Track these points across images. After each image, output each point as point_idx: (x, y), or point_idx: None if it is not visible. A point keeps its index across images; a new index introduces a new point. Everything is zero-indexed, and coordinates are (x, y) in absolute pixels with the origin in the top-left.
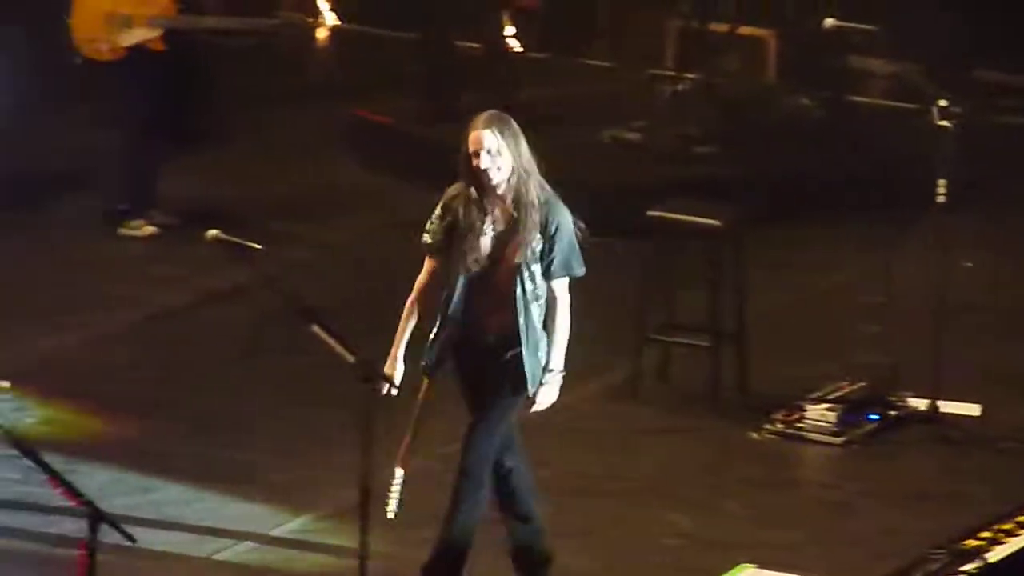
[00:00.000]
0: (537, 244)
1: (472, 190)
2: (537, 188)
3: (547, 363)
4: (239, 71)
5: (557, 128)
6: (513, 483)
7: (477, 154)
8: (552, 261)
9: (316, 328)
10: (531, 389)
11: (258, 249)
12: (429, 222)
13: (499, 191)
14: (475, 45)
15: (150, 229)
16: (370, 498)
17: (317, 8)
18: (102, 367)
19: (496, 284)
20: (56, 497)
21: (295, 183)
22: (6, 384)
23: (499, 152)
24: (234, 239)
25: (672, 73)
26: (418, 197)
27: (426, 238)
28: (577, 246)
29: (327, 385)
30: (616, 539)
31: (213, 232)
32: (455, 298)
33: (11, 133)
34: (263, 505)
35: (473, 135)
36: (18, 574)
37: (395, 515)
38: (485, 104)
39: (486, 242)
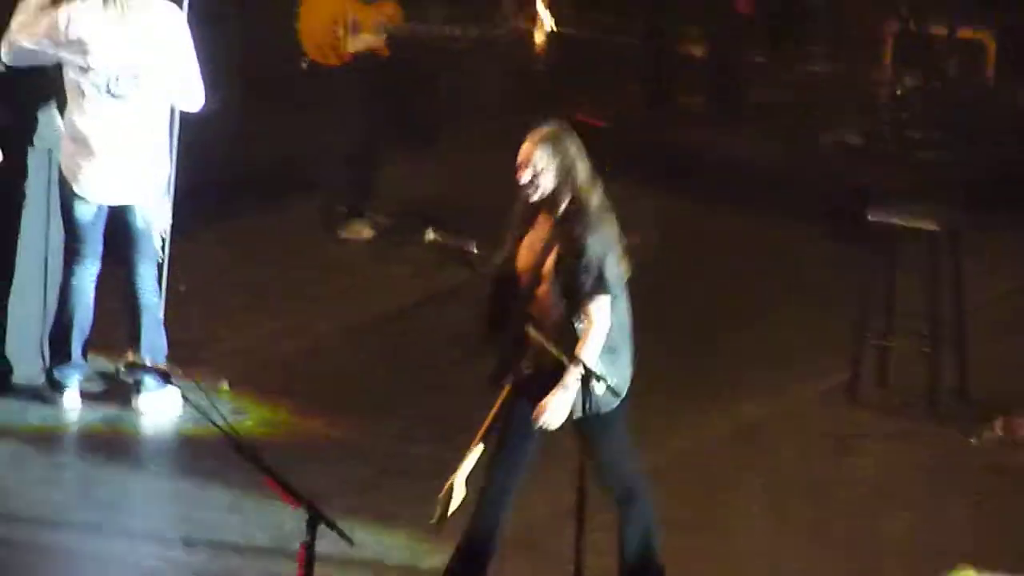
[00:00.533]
0: (572, 262)
1: (520, 202)
2: (587, 206)
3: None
4: (461, 75)
5: (779, 131)
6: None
7: (520, 168)
8: (578, 280)
9: (530, 330)
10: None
11: (475, 252)
12: None
13: (544, 206)
14: (695, 49)
15: (369, 232)
16: (586, 499)
17: (536, 13)
18: (325, 368)
19: (539, 297)
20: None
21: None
22: (225, 386)
23: (543, 170)
24: (451, 241)
25: (892, 76)
26: (636, 199)
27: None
28: (607, 268)
29: None
30: (840, 539)
31: (431, 234)
32: (513, 308)
33: (234, 136)
34: None
35: (522, 149)
36: None
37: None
38: (707, 107)
39: (526, 254)
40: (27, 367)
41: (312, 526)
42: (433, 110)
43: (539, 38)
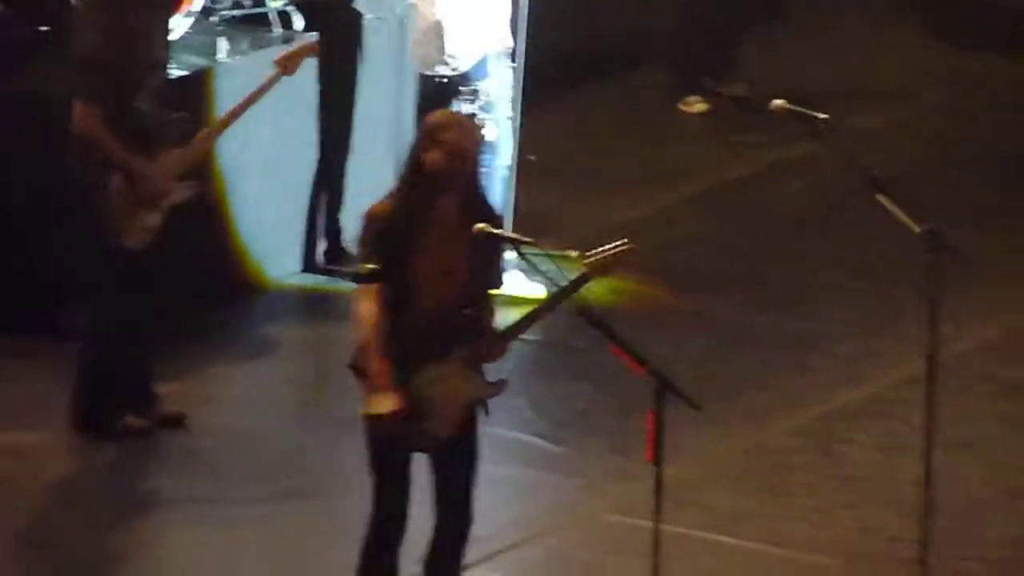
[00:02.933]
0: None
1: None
2: None
3: None
4: None
5: None
6: None
7: (467, 154)
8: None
9: (882, 198)
10: None
11: (824, 119)
12: None
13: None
14: None
15: (703, 106)
16: (937, 369)
17: None
18: (670, 238)
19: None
20: None
21: (860, 62)
22: (573, 253)
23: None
24: (801, 108)
25: None
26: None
27: None
28: None
29: (895, 258)
30: None
31: (779, 102)
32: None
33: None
34: (829, 375)
35: (468, 137)
36: None
37: None
38: None
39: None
40: None
41: (659, 393)
42: None
43: None
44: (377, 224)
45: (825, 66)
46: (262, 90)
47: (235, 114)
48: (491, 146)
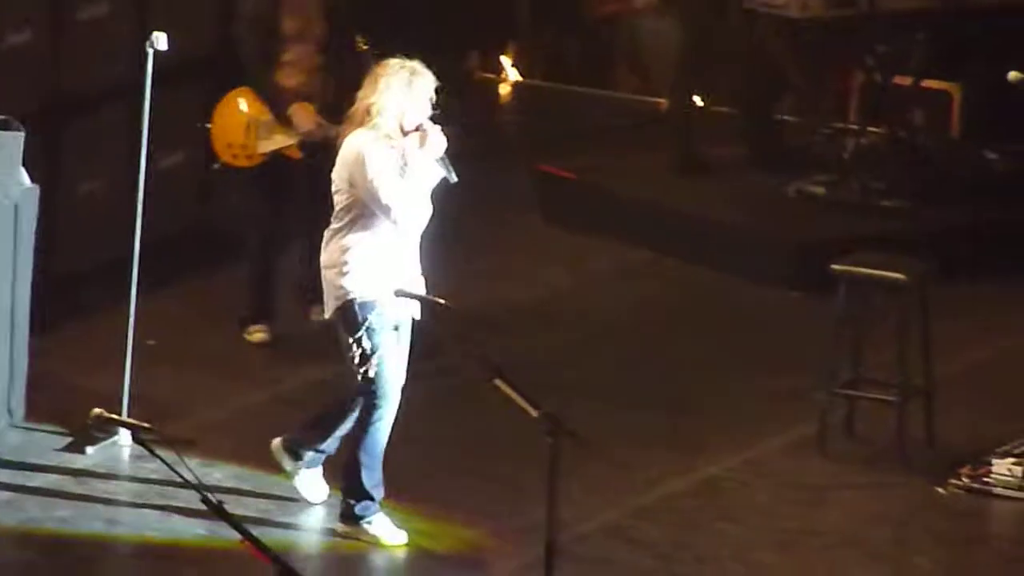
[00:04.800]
0: None
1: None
2: None
3: None
4: None
5: (743, 181)
6: None
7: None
8: None
9: (500, 382)
10: None
11: (445, 305)
12: None
13: None
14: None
15: (261, 335)
16: (555, 555)
17: (500, 65)
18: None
19: None
20: None
21: (480, 237)
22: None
23: None
24: (421, 295)
25: (856, 126)
26: (604, 250)
27: None
28: None
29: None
30: None
31: (397, 288)
32: None
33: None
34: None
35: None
36: None
37: None
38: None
39: None
40: None
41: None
42: None
43: (504, 88)
44: None
45: None
46: None
47: None
48: None
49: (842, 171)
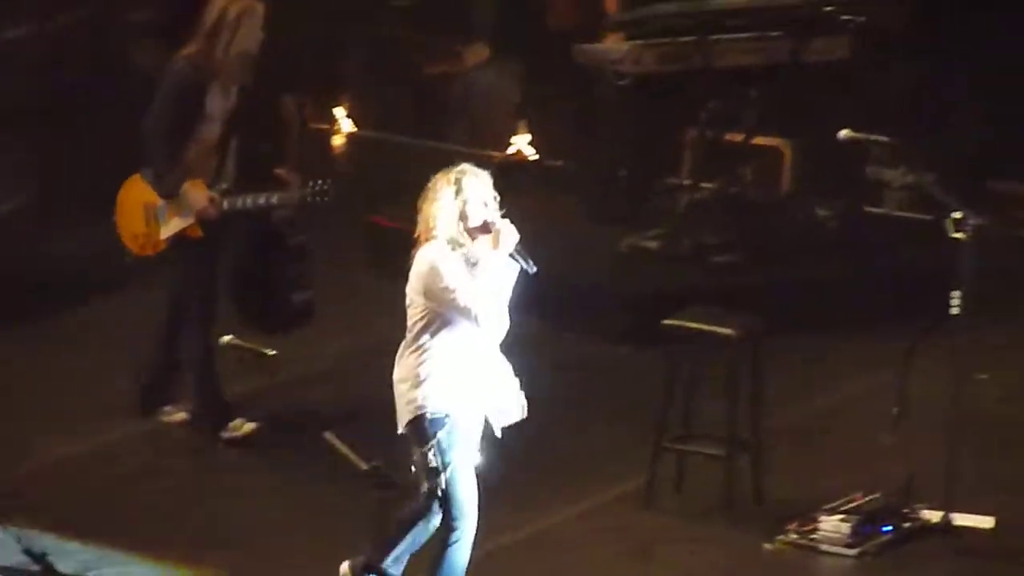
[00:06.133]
0: None
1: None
2: None
3: None
4: None
5: (576, 234)
6: None
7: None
8: None
9: (329, 435)
10: None
11: (272, 355)
12: None
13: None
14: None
15: (248, 426)
16: None
17: (333, 116)
18: (118, 474)
19: None
20: None
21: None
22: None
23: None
24: (249, 345)
25: (689, 182)
26: None
27: None
28: None
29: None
30: None
31: (227, 337)
32: None
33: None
34: None
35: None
36: None
37: None
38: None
39: None
40: None
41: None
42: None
43: (337, 140)
44: None
45: None
46: None
47: None
48: None
49: (674, 226)
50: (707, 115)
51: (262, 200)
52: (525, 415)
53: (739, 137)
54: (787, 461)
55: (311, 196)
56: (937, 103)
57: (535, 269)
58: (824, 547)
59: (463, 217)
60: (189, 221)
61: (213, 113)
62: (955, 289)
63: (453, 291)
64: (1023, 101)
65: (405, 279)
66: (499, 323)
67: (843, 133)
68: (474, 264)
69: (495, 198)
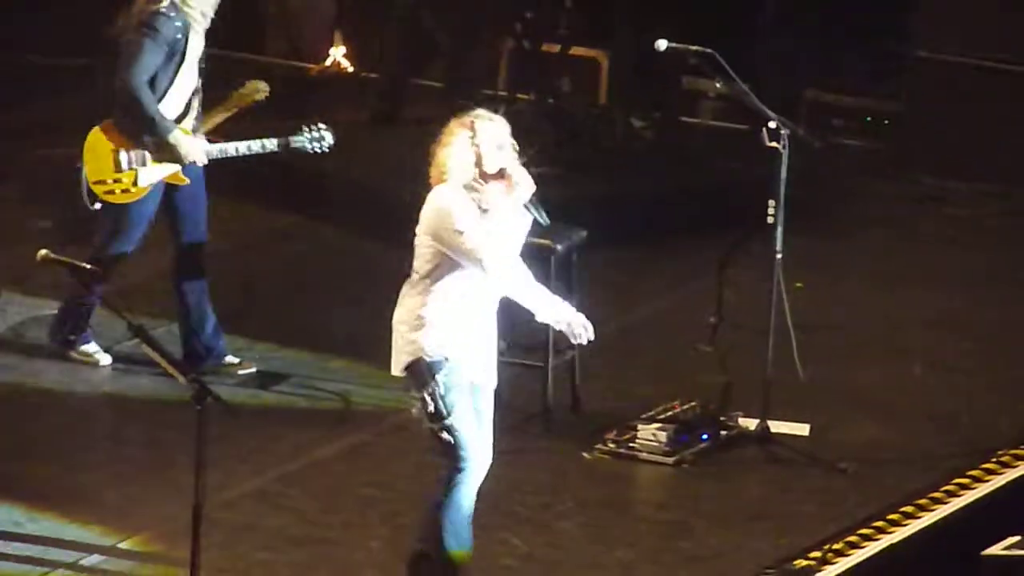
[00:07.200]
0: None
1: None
2: None
3: None
4: None
5: (389, 149)
6: None
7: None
8: None
9: (147, 348)
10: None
11: (91, 269)
12: None
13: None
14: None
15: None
16: (201, 520)
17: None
18: None
19: None
20: None
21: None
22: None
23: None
24: (66, 259)
25: (505, 94)
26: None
27: None
28: None
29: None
30: None
31: (44, 252)
32: None
33: None
34: (97, 527)
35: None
36: None
37: None
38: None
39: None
40: None
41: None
42: None
43: None
44: None
45: None
46: None
47: None
48: None
49: None
50: (523, 26)
51: (257, 147)
52: (592, 336)
53: (555, 48)
54: (605, 372)
55: (309, 143)
56: (753, 13)
57: (548, 221)
58: (643, 455)
59: (478, 162)
60: (173, 168)
61: (192, 57)
62: (770, 199)
63: (462, 234)
64: (839, 11)
65: (225, 194)
66: (507, 272)
67: (660, 43)
68: (486, 211)
69: (512, 145)
